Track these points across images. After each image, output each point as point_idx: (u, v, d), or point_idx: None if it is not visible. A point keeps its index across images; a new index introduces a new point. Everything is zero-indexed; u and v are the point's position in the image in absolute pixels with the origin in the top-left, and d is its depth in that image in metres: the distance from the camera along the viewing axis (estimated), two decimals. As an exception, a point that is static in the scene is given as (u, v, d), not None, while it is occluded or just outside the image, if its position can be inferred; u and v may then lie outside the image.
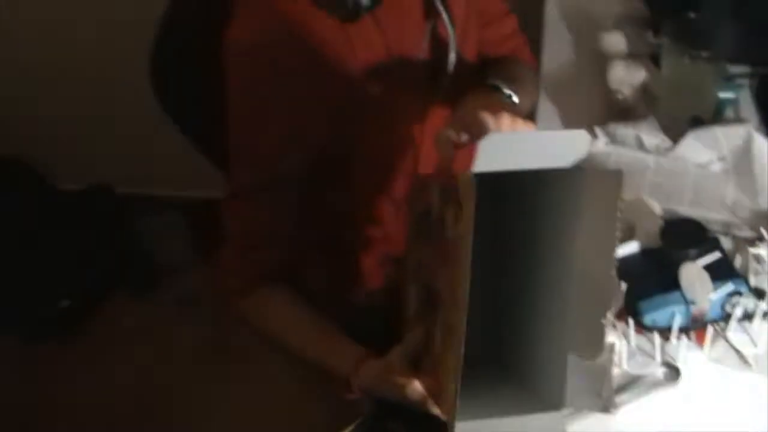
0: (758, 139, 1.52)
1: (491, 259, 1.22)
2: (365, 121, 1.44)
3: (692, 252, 1.31)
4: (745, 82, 1.73)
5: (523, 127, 1.24)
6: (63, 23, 2.70)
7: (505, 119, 1.21)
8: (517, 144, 1.09)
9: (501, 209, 1.20)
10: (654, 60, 1.75)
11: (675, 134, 1.56)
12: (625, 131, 1.56)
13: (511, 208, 1.20)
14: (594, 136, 1.58)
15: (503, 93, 1.39)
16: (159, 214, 3.07)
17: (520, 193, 1.17)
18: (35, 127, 2.97)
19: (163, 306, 2.90)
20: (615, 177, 1.04)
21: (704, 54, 1.54)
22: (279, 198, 1.45)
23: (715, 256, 1.33)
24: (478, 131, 1.21)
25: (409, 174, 1.51)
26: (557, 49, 1.88)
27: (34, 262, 2.89)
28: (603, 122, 1.62)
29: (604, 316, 1.03)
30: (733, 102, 1.66)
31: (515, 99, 1.39)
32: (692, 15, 1.61)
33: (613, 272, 1.05)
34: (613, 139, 1.57)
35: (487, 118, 1.21)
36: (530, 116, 1.62)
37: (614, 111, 1.67)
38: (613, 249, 1.04)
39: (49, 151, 3.00)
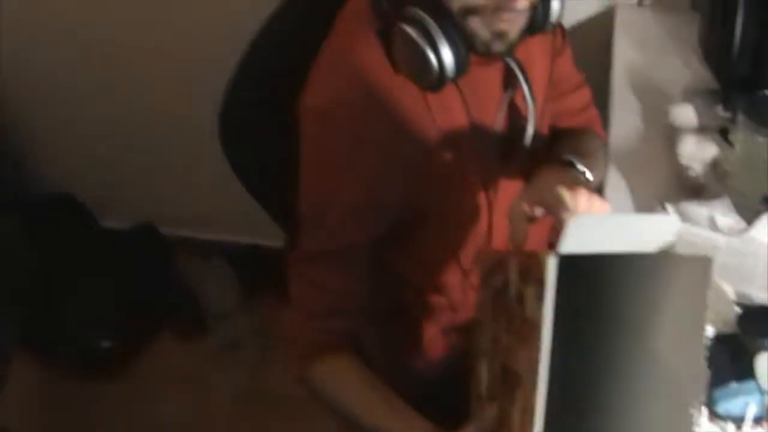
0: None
1: (567, 340, 1.20)
2: (439, 189, 1.43)
3: (768, 341, 1.29)
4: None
5: (599, 204, 1.23)
6: (113, 71, 2.72)
7: (582, 196, 1.21)
8: (604, 227, 1.07)
9: (580, 288, 1.18)
10: (723, 134, 1.74)
11: (747, 213, 1.54)
12: (698, 210, 1.54)
13: (591, 288, 1.18)
14: (666, 213, 1.56)
15: (577, 169, 1.38)
16: (205, 258, 3.06)
17: (603, 274, 1.14)
18: (87, 165, 2.99)
19: (207, 350, 2.90)
20: (703, 264, 1.02)
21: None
22: (348, 264, 1.44)
23: (795, 347, 1.31)
24: (554, 207, 1.20)
25: (479, 244, 1.50)
26: (625, 121, 1.86)
27: (77, 301, 2.89)
28: (673, 198, 1.60)
29: (691, 414, 1.01)
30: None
31: (589, 176, 1.38)
32: (766, 92, 1.59)
33: (703, 366, 1.02)
34: (684, 217, 1.55)
35: (565, 194, 1.20)
36: (599, 190, 1.61)
37: (685, 187, 1.65)
38: (701, 341, 1.02)
39: (98, 190, 3.01)
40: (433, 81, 1.27)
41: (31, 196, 3.05)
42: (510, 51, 1.32)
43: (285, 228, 1.66)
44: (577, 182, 1.29)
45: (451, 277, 1.54)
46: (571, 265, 0.99)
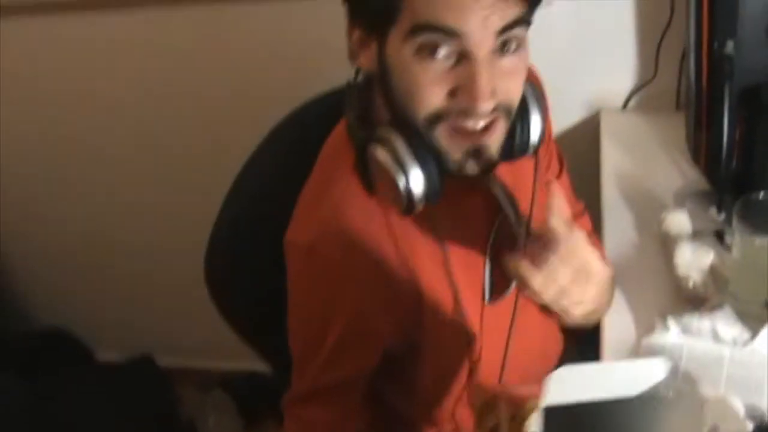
0: (843, 325, 1.45)
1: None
2: (431, 322, 1.40)
3: (786, 461, 1.23)
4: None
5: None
6: (105, 201, 2.72)
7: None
8: (588, 375, 1.04)
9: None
10: (719, 237, 1.70)
11: (750, 320, 1.49)
12: (700, 322, 1.49)
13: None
14: (667, 327, 1.51)
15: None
16: (204, 388, 3.01)
17: (589, 421, 1.10)
18: (80, 298, 2.99)
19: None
20: (695, 405, 1.00)
21: (777, 234, 1.49)
22: (341, 400, 1.42)
23: (810, 462, 1.25)
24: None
25: (468, 375, 1.46)
26: (619, 233, 1.81)
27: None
28: (673, 310, 1.55)
29: None
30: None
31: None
32: (761, 193, 1.55)
33: None
34: (686, 330, 1.50)
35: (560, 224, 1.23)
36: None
37: (685, 298, 1.60)
38: None
39: (93, 323, 3.00)
40: (403, 206, 1.25)
41: (22, 332, 3.02)
42: (486, 172, 1.29)
43: (276, 368, 1.63)
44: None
45: (444, 410, 1.50)
46: (556, 415, 0.97)
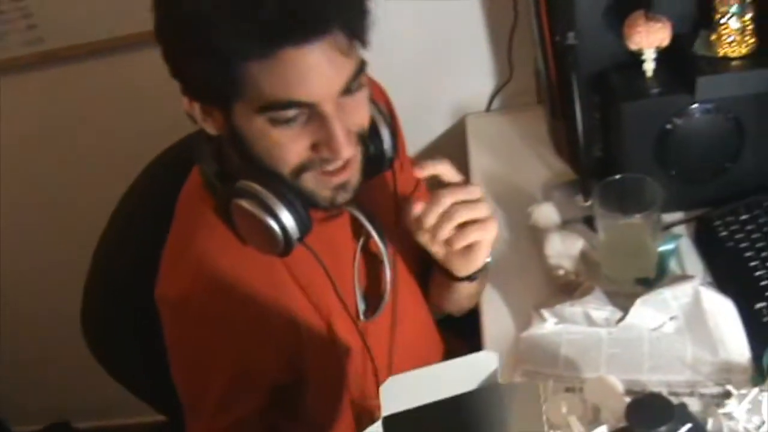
0: (705, 293, 1.49)
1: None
2: (311, 350, 1.41)
3: (662, 430, 1.26)
4: (682, 229, 1.72)
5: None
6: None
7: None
8: (420, 380, 1.06)
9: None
10: (589, 222, 1.75)
11: (623, 301, 1.53)
12: (573, 309, 1.53)
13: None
14: (542, 318, 1.54)
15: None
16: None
17: (434, 421, 1.12)
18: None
19: None
20: (531, 389, 1.06)
21: (636, 212, 1.53)
22: None
23: (687, 427, 1.28)
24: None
25: (362, 392, 1.48)
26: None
27: None
28: (548, 299, 1.59)
29: None
30: (675, 252, 1.65)
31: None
32: (618, 176, 1.60)
33: None
34: (561, 319, 1.54)
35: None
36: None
37: (558, 285, 1.64)
38: None
39: (5, 394, 2.95)
40: (280, 247, 1.26)
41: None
42: (354, 199, 1.32)
43: (167, 413, 1.62)
44: None
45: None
46: (397, 423, 0.99)
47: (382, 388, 1.00)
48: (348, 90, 1.21)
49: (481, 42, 2.20)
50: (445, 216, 1.32)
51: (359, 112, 1.26)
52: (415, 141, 2.03)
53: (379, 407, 1.12)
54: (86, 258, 1.62)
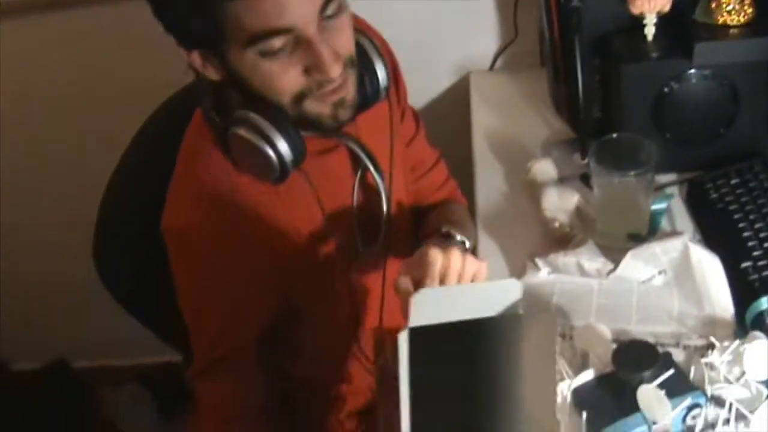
0: (694, 248, 1.56)
1: (430, 408, 1.24)
2: (307, 280, 1.48)
3: (646, 374, 1.32)
4: (675, 190, 1.79)
5: (473, 263, 1.29)
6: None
7: (455, 256, 1.27)
8: (448, 297, 1.13)
9: (437, 354, 1.22)
10: (584, 181, 1.81)
11: (615, 254, 1.60)
12: (566, 259, 1.60)
13: (447, 352, 1.22)
14: (536, 267, 1.61)
15: (455, 239, 1.43)
16: (120, 385, 3.04)
17: (455, 339, 1.19)
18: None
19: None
20: (549, 320, 1.12)
21: (631, 171, 1.59)
22: (239, 370, 1.49)
23: (670, 372, 1.35)
24: (429, 269, 1.25)
25: (365, 327, 1.54)
26: (489, 183, 1.92)
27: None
28: (543, 250, 1.66)
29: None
30: (666, 212, 1.71)
31: (468, 244, 1.43)
32: (614, 135, 1.66)
33: (555, 414, 1.11)
34: (554, 269, 1.60)
35: (437, 255, 1.26)
36: (473, 252, 1.66)
37: (552, 239, 1.71)
38: (553, 391, 1.09)
39: (4, 333, 2.98)
40: (276, 173, 1.33)
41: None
42: (353, 116, 1.39)
43: (178, 348, 1.69)
44: (453, 247, 1.34)
45: (352, 366, 1.58)
46: (423, 335, 1.05)
47: (413, 299, 1.07)
48: (327, 12, 1.27)
49: (487, 2, 2.25)
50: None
51: (343, 35, 1.32)
52: (419, 96, 2.08)
53: (388, 329, 1.20)
54: (89, 200, 1.68)
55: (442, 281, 1.27)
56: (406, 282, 1.28)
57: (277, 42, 1.25)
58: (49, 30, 2.33)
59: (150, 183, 1.51)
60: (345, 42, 1.32)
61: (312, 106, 1.33)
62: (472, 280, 1.30)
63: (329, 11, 1.27)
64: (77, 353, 3.09)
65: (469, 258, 1.30)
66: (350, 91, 1.35)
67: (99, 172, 1.69)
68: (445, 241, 1.47)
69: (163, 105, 1.74)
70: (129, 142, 1.71)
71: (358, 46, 1.37)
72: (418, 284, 1.27)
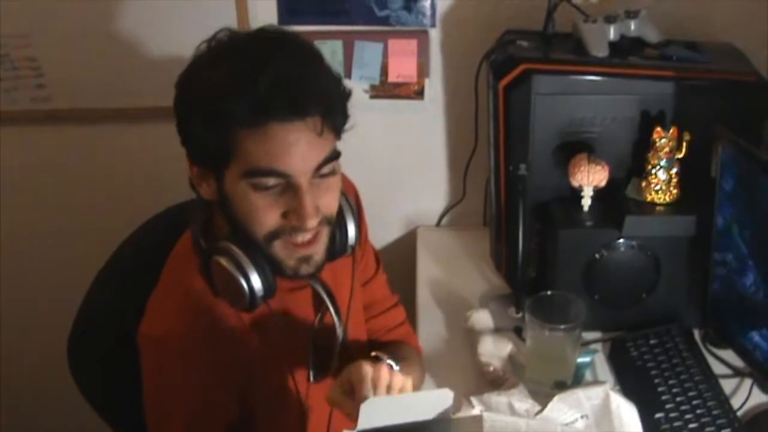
0: (614, 396, 1.70)
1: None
2: (264, 403, 1.59)
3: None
4: (599, 346, 1.96)
5: (400, 379, 1.41)
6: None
7: (384, 369, 1.40)
8: (392, 405, 1.31)
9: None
10: (517, 333, 1.97)
11: (542, 397, 1.73)
12: (498, 399, 1.72)
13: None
14: (471, 404, 1.74)
15: (383, 361, 1.55)
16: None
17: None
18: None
19: None
20: (476, 421, 1.34)
21: (561, 326, 1.75)
22: None
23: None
24: (359, 383, 1.38)
25: None
26: (431, 329, 2.07)
27: None
28: (477, 391, 1.77)
29: None
30: (590, 365, 1.88)
31: (395, 367, 1.55)
32: (548, 292, 1.82)
33: None
34: (487, 407, 1.73)
35: (368, 368, 1.39)
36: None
37: (486, 381, 1.85)
38: None
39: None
40: (246, 303, 1.47)
41: None
42: (316, 273, 1.53)
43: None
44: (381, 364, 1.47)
45: None
46: None
47: (363, 406, 1.22)
48: (321, 171, 1.43)
49: (441, 162, 2.45)
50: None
51: (329, 195, 1.48)
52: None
53: None
54: (71, 299, 1.78)
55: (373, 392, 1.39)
56: (335, 392, 1.42)
57: (271, 181, 1.40)
58: (48, 140, 2.46)
59: (129, 291, 1.64)
60: (329, 201, 1.48)
61: (279, 250, 1.47)
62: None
63: (324, 171, 1.44)
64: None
65: (396, 373, 1.43)
66: (318, 252, 1.50)
67: (79, 283, 1.79)
68: (372, 359, 1.57)
69: (156, 216, 1.87)
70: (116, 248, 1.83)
71: None
72: (350, 394, 1.39)
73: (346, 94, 1.49)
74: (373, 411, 1.25)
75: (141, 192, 2.30)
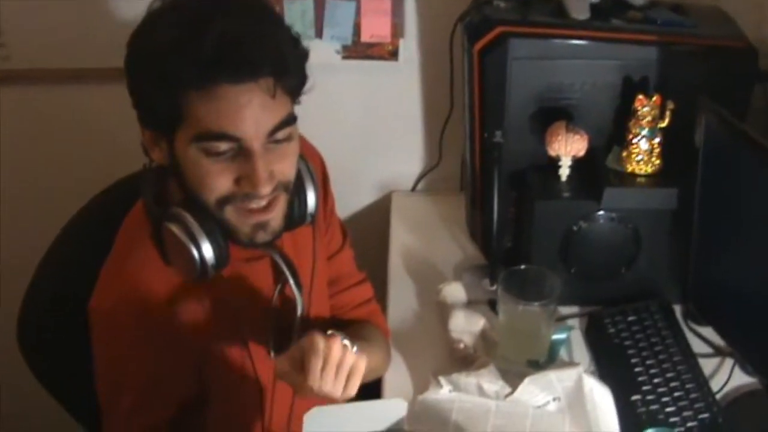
0: (587, 379, 1.65)
1: None
2: (219, 375, 1.53)
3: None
4: (575, 322, 1.89)
5: (351, 358, 1.35)
6: None
7: (337, 344, 1.34)
8: (339, 414, 1.22)
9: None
10: (491, 306, 1.90)
11: (513, 379, 1.67)
12: (467, 380, 1.66)
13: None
14: (439, 385, 1.68)
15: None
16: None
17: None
18: None
19: None
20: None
21: (535, 302, 1.69)
22: None
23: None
24: (309, 352, 1.33)
25: (260, 427, 1.59)
26: (401, 301, 2.00)
27: None
28: (446, 369, 1.73)
29: None
30: (566, 342, 1.80)
31: (350, 346, 1.48)
32: (522, 267, 1.76)
33: None
34: (456, 387, 1.67)
35: (320, 341, 1.34)
36: (378, 376, 1.73)
37: (456, 359, 1.78)
38: None
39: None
40: (197, 273, 1.40)
41: None
42: (273, 240, 1.46)
43: (89, 428, 1.71)
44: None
45: None
46: None
47: (307, 415, 1.14)
48: (275, 136, 1.37)
49: (416, 126, 2.37)
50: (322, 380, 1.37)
51: (284, 162, 1.41)
52: (343, 208, 2.15)
53: None
54: (18, 274, 1.71)
55: (322, 370, 1.33)
56: (284, 363, 1.36)
57: (222, 146, 1.33)
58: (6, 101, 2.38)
59: (83, 260, 1.56)
60: (284, 168, 1.41)
61: (231, 216, 1.40)
62: (350, 373, 1.35)
63: (279, 136, 1.37)
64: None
65: (349, 351, 1.37)
66: (275, 218, 1.43)
67: (35, 245, 1.73)
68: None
69: (110, 187, 1.80)
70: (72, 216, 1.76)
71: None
72: (299, 368, 1.34)
73: (303, 55, 1.42)
74: (319, 419, 1.17)
75: (102, 155, 2.22)
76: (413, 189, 2.45)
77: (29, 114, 2.37)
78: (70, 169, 2.41)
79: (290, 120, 1.39)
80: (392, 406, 1.24)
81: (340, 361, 1.34)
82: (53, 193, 2.33)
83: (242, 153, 1.35)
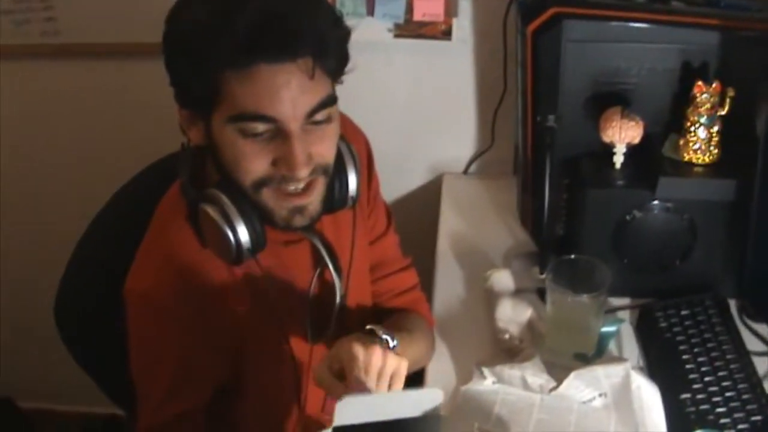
0: (635, 376, 1.60)
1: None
2: (254, 361, 1.51)
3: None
4: (626, 315, 1.83)
5: (394, 361, 1.32)
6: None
7: (376, 353, 1.31)
8: (373, 402, 1.20)
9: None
10: (540, 295, 1.85)
11: (558, 372, 1.63)
12: (511, 372, 1.63)
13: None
14: (482, 375, 1.64)
15: (378, 336, 1.46)
16: (62, 429, 3.03)
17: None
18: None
19: None
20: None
21: (585, 294, 1.64)
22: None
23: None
24: (349, 363, 1.29)
25: (296, 411, 1.57)
26: (448, 288, 1.96)
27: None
28: (491, 359, 1.69)
29: None
30: (615, 335, 1.75)
31: (391, 342, 1.45)
32: (572, 256, 1.71)
33: None
34: (500, 379, 1.63)
35: (359, 350, 1.30)
36: (421, 367, 1.70)
37: (502, 348, 1.74)
38: None
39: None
40: (233, 257, 1.38)
41: None
42: (311, 225, 1.44)
43: (128, 410, 1.70)
44: (374, 342, 1.37)
45: None
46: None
47: (339, 404, 1.11)
48: (314, 117, 1.33)
49: (469, 107, 2.32)
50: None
51: (323, 144, 1.37)
52: (391, 190, 2.13)
53: (328, 421, 1.23)
54: (58, 250, 1.71)
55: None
56: (324, 373, 1.33)
57: (260, 126, 1.31)
58: (56, 74, 2.40)
59: (121, 241, 1.55)
60: (323, 150, 1.38)
61: (268, 198, 1.38)
62: (392, 378, 1.33)
63: (317, 117, 1.33)
64: (23, 394, 3.07)
65: (390, 355, 1.33)
66: (313, 201, 1.40)
67: (79, 220, 1.72)
68: (366, 335, 1.46)
69: (146, 169, 1.80)
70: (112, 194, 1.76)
71: (336, 152, 1.43)
72: (339, 378, 1.31)
73: (345, 35, 1.38)
74: (351, 406, 1.14)
75: (151, 129, 2.21)
76: (465, 171, 2.40)
77: (81, 88, 2.38)
78: (119, 142, 2.42)
79: (329, 101, 1.35)
80: (427, 395, 1.20)
81: (380, 368, 1.31)
82: (102, 167, 2.34)
83: (279, 134, 1.32)
